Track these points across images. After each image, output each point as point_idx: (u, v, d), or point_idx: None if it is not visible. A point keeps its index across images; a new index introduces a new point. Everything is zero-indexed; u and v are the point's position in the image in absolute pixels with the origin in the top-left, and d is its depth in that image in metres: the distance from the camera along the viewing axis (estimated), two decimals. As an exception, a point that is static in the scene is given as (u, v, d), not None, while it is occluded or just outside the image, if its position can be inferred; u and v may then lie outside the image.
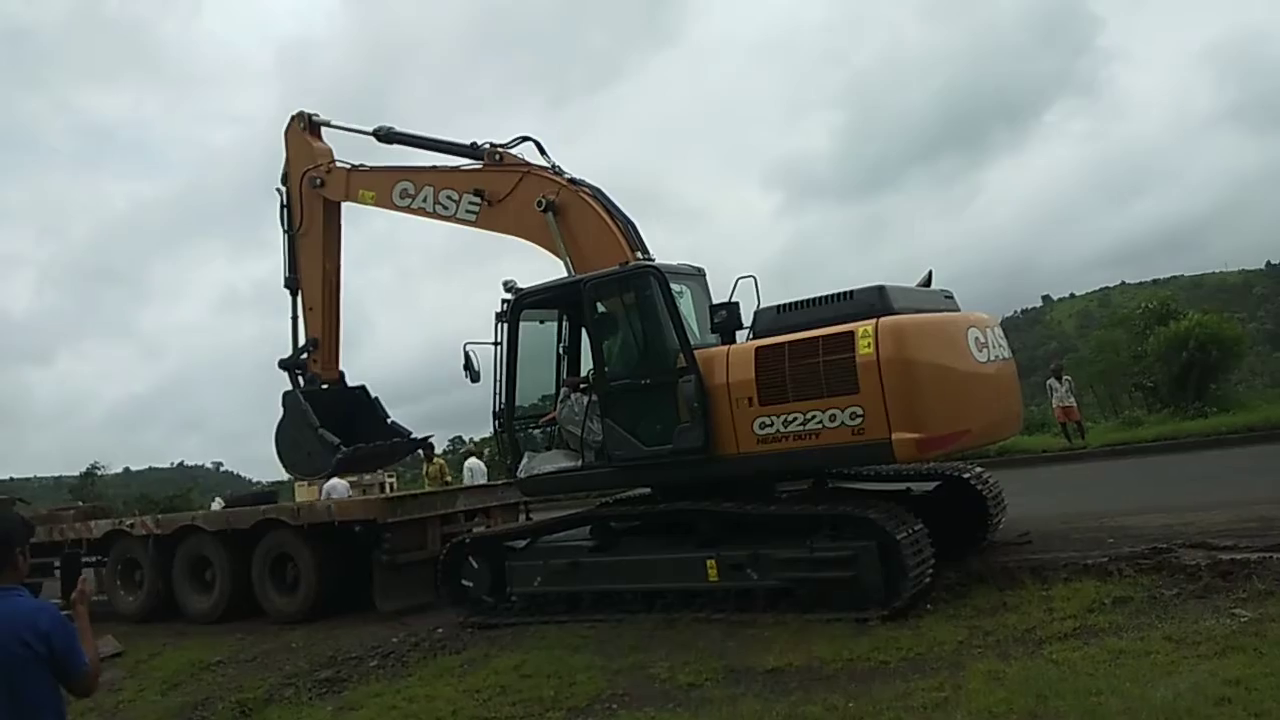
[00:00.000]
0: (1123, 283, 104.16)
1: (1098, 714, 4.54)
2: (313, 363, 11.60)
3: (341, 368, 11.92)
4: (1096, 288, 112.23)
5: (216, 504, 15.97)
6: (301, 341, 11.73)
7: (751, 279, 8.28)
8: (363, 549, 10.59)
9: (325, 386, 11.69)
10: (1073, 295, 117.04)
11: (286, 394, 11.43)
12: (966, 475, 9.05)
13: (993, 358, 8.06)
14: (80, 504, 19.73)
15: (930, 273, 8.54)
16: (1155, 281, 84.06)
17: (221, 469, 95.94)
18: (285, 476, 19.56)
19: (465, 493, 12.08)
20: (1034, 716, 4.67)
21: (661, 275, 8.28)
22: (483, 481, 14.31)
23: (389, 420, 11.85)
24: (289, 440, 11.36)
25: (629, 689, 6.42)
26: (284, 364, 11.63)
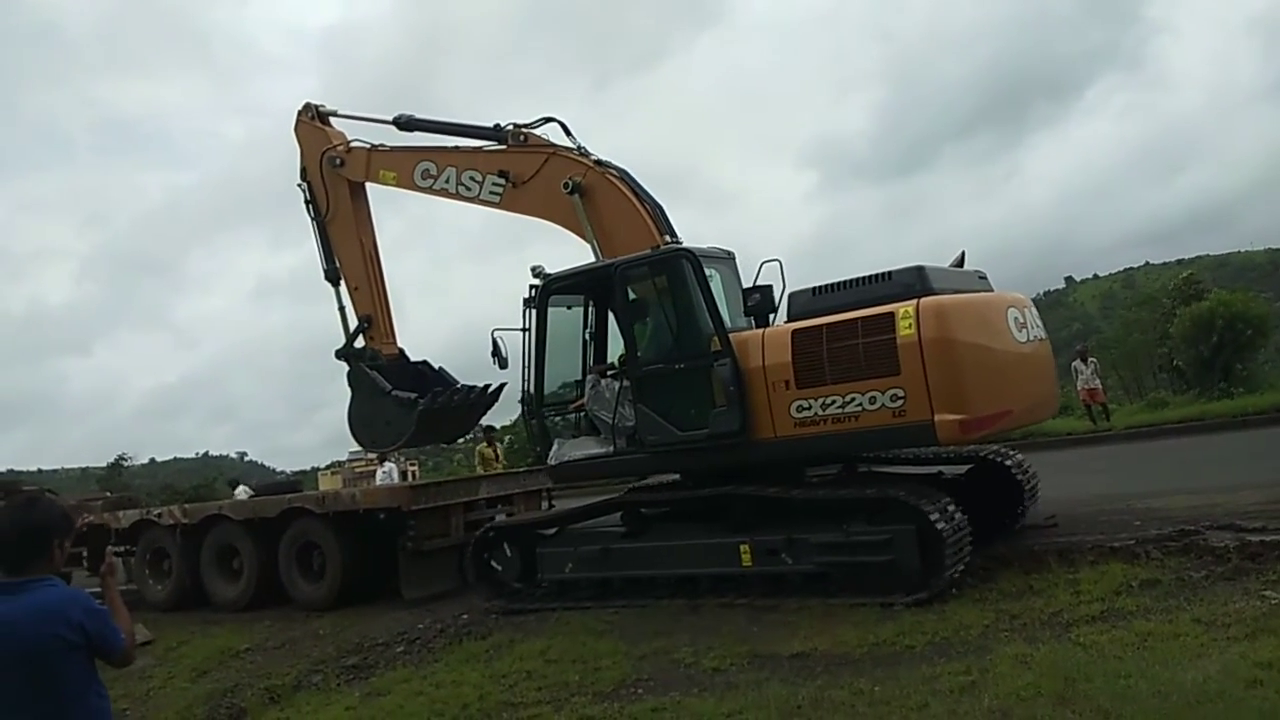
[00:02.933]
0: (1147, 263, 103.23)
1: (1127, 697, 4.50)
2: (370, 340, 11.45)
3: (400, 345, 11.73)
4: (1120, 268, 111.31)
5: (240, 491, 16.10)
6: (353, 328, 11.51)
7: (776, 262, 8.24)
8: (387, 537, 10.64)
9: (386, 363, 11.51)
10: (1096, 276, 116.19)
11: (350, 372, 11.32)
12: (1002, 460, 8.97)
13: (1031, 338, 7.98)
14: (108, 494, 20.02)
15: (963, 253, 8.44)
16: (1180, 261, 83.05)
17: (246, 459, 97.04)
18: (308, 466, 19.68)
19: (488, 480, 12.13)
20: (1062, 699, 4.64)
21: (695, 258, 8.21)
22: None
23: (460, 385, 11.58)
24: (363, 417, 11.22)
25: (654, 674, 6.43)
26: (340, 353, 11.49)
